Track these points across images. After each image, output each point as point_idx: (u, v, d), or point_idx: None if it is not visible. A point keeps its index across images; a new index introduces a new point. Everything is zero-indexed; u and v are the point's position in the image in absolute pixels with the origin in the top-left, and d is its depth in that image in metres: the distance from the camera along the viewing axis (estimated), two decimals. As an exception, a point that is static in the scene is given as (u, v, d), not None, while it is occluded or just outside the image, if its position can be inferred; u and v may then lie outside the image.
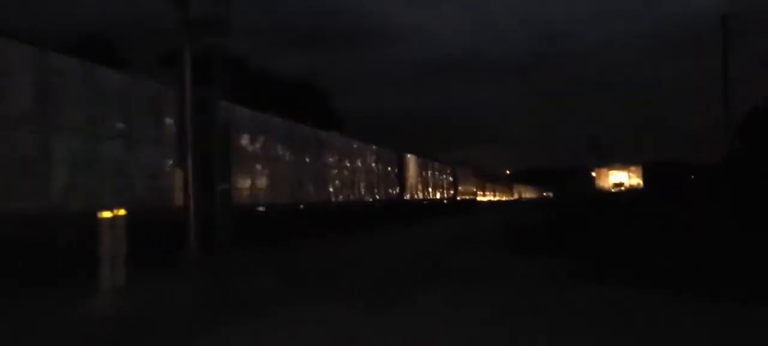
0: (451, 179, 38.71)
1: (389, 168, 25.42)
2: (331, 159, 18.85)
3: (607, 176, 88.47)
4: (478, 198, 50.09)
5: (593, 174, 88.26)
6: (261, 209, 13.88)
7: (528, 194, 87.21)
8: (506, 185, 74.79)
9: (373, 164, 23.32)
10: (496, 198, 61.96)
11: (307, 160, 16.78)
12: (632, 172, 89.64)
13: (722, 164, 28.98)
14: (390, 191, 25.38)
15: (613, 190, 79.56)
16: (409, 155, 27.71)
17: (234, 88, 13.07)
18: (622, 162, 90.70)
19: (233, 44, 13.83)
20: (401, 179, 26.56)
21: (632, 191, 74.33)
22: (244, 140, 13.43)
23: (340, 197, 19.40)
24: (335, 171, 19.22)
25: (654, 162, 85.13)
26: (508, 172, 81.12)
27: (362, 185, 21.85)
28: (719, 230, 12.24)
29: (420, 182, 30.45)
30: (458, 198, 40.65)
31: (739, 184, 23.80)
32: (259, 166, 14.17)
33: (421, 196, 30.39)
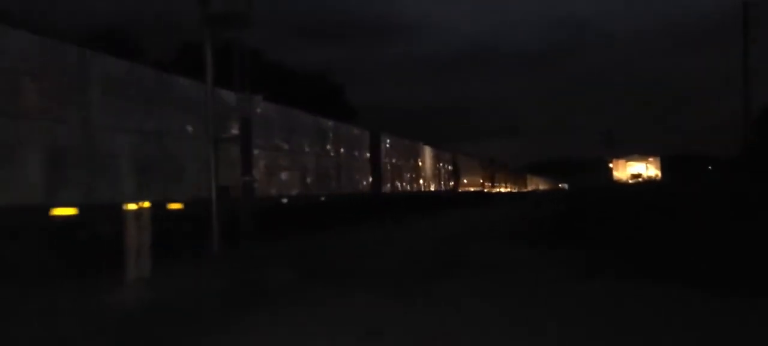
0: (449, 167, 33.88)
1: (356, 152, 20.03)
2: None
3: (624, 167, 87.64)
4: (486, 190, 45.45)
5: (610, 165, 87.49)
6: (284, 200, 14.09)
7: (543, 185, 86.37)
8: (519, 176, 71.10)
9: (328, 146, 17.70)
10: (507, 190, 57.33)
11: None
12: (650, 163, 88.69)
13: (739, 157, 28.67)
14: (359, 180, 20.15)
15: (630, 181, 78.81)
16: (386, 137, 22.86)
17: (251, 80, 13.23)
18: (640, 153, 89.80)
19: (246, 37, 13.90)
20: (376, 167, 21.44)
21: (650, 182, 73.57)
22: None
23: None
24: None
25: (672, 154, 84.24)
26: (522, 162, 78.88)
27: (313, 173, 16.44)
28: (732, 224, 12.15)
29: (405, 171, 25.30)
30: (460, 190, 36.00)
31: (755, 176, 23.56)
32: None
33: (408, 187, 25.64)
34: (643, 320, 5.44)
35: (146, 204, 8.69)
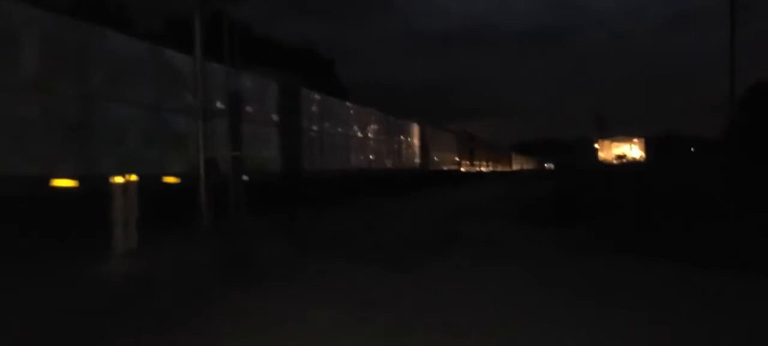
0: (415, 142, 28.94)
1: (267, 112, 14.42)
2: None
3: (609, 147, 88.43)
4: (464, 169, 40.87)
5: (596, 146, 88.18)
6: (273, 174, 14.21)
7: (528, 165, 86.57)
8: (503, 154, 66.07)
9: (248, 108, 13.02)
10: (490, 169, 52.16)
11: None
12: (635, 144, 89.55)
13: (724, 137, 29.03)
14: (263, 152, 13.77)
15: (615, 162, 79.56)
16: (311, 94, 17.18)
17: (240, 54, 13.10)
18: (626, 134, 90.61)
19: (236, 10, 13.82)
20: (294, 137, 15.52)
21: (634, 163, 74.32)
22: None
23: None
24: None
25: (657, 135, 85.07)
26: (509, 143, 77.96)
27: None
28: (713, 204, 12.32)
29: (345, 143, 19.83)
30: (431, 169, 31.06)
31: (738, 156, 23.88)
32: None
33: (358, 163, 20.73)
34: (644, 294, 5.53)
35: (133, 177, 8.63)
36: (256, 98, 13.24)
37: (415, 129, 29.36)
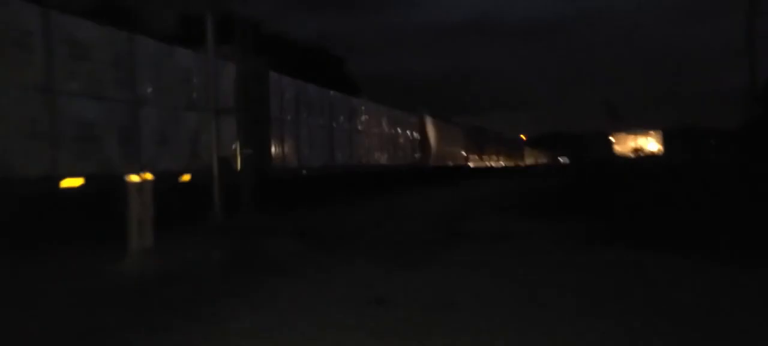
0: (415, 136, 26.42)
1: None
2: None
3: (625, 141, 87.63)
4: (472, 165, 37.60)
5: (611, 139, 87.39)
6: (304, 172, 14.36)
7: (541, 159, 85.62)
8: (515, 148, 62.02)
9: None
10: (500, 165, 48.37)
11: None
12: (652, 137, 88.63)
13: (743, 129, 28.61)
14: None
15: (632, 155, 78.76)
16: (283, 80, 14.97)
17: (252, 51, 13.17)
18: (643, 127, 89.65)
19: (247, 8, 13.82)
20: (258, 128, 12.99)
21: (652, 156, 73.50)
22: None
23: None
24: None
25: (675, 127, 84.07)
26: (523, 136, 76.84)
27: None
28: (732, 196, 12.18)
29: (328, 136, 17.60)
30: (433, 164, 28.17)
31: (757, 149, 23.53)
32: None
33: (345, 159, 18.60)
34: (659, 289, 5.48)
35: (149, 176, 8.71)
36: (201, 81, 10.99)
37: (415, 121, 26.58)
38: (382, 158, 22.28)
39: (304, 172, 15.62)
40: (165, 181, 8.86)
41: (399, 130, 24.61)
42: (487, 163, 43.79)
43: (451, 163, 32.40)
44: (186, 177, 10.44)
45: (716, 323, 4.39)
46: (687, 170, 25.61)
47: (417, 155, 26.64)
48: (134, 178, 8.48)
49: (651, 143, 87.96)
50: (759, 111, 26.48)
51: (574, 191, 18.34)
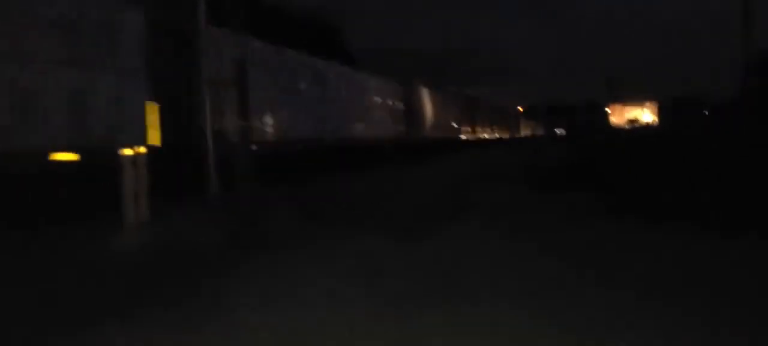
0: (397, 104, 23.81)
1: None
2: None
3: (621, 112, 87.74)
4: (464, 137, 35.82)
5: (607, 110, 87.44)
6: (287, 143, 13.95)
7: (538, 130, 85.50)
8: (510, 119, 60.98)
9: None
10: (496, 136, 47.33)
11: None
12: (647, 108, 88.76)
13: (738, 100, 28.64)
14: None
15: (627, 127, 78.91)
16: (220, 35, 10.66)
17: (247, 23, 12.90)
18: (638, 99, 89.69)
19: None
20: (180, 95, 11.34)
21: (647, 127, 73.66)
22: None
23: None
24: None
25: (670, 98, 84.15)
26: (520, 108, 76.49)
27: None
28: (726, 166, 12.18)
29: (285, 103, 15.16)
30: (419, 137, 26.05)
31: (751, 119, 23.58)
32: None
33: (307, 130, 16.19)
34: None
35: (142, 149, 8.62)
36: (92, 38, 8.98)
37: (397, 90, 23.86)
38: (356, 130, 19.47)
39: (255, 146, 11.33)
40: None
41: (378, 99, 21.84)
42: (482, 135, 42.18)
43: (441, 136, 29.79)
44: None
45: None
46: (679, 139, 25.66)
47: (400, 127, 23.94)
48: (127, 151, 8.40)
49: (646, 114, 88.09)
50: (755, 81, 26.45)
51: (571, 163, 18.33)
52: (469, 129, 37.57)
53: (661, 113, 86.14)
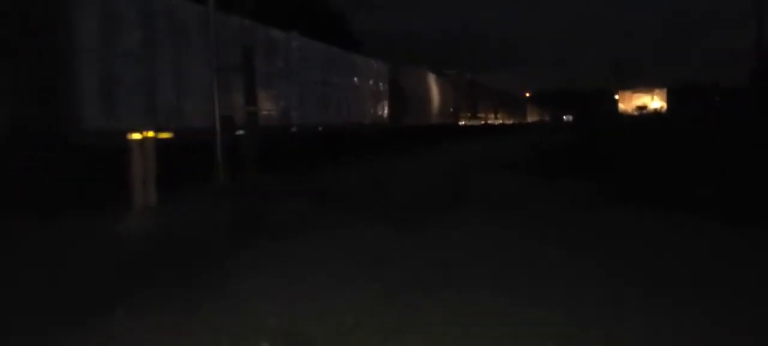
0: (382, 87, 20.74)
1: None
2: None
3: (630, 98, 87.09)
4: (463, 123, 32.80)
5: (616, 97, 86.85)
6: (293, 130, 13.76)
7: (545, 117, 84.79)
8: (516, 105, 57.87)
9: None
10: (500, 122, 44.91)
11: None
12: (656, 95, 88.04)
13: (750, 86, 28.37)
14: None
15: (635, 113, 78.38)
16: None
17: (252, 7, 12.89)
18: (647, 85, 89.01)
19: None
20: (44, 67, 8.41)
21: (656, 114, 73.16)
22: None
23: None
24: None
25: (680, 85, 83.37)
26: (527, 93, 75.60)
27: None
28: (734, 153, 12.12)
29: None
30: (408, 124, 22.93)
31: (763, 105, 23.36)
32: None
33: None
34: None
35: (150, 133, 8.71)
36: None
37: (381, 69, 20.56)
38: (323, 115, 16.09)
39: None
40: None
41: (356, 81, 18.67)
42: (483, 121, 39.08)
43: (434, 123, 26.63)
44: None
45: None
46: (687, 128, 25.46)
47: (383, 113, 20.85)
48: (136, 135, 8.48)
49: (655, 101, 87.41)
50: (766, 66, 26.16)
51: (579, 151, 18.26)
52: (468, 115, 34.24)
53: (670, 100, 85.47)
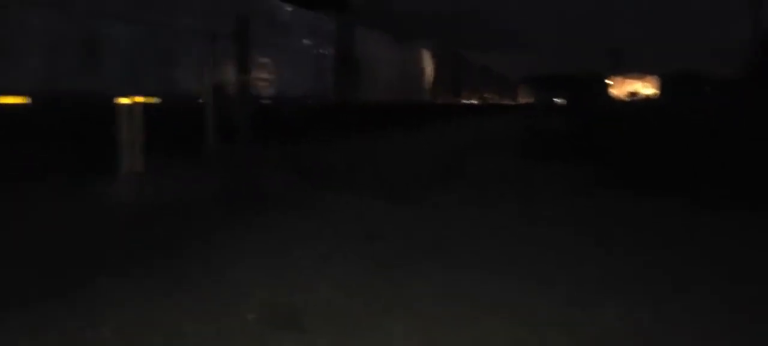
0: (329, 51, 15.81)
1: None
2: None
3: (622, 85, 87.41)
4: (441, 102, 28.13)
5: (608, 82, 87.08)
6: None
7: (532, 99, 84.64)
8: (507, 86, 57.51)
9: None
10: (488, 103, 43.54)
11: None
12: (648, 82, 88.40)
13: (745, 78, 28.49)
14: None
15: (627, 99, 78.67)
16: None
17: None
18: (640, 72, 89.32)
19: None
20: None
21: (647, 100, 73.46)
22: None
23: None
24: None
25: (673, 73, 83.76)
26: (519, 76, 75.53)
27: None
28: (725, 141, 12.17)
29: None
30: (363, 100, 17.82)
31: (756, 97, 23.49)
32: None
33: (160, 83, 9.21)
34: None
35: (139, 99, 8.52)
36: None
37: (326, 29, 15.73)
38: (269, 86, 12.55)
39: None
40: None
41: (296, 41, 14.24)
42: (469, 101, 35.84)
43: (402, 100, 22.20)
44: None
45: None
46: (677, 114, 25.57)
47: (325, 85, 15.76)
48: (124, 100, 8.30)
49: (647, 88, 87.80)
50: (760, 58, 26.27)
51: (569, 134, 18.26)
52: (448, 93, 29.96)
53: (663, 88, 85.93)
